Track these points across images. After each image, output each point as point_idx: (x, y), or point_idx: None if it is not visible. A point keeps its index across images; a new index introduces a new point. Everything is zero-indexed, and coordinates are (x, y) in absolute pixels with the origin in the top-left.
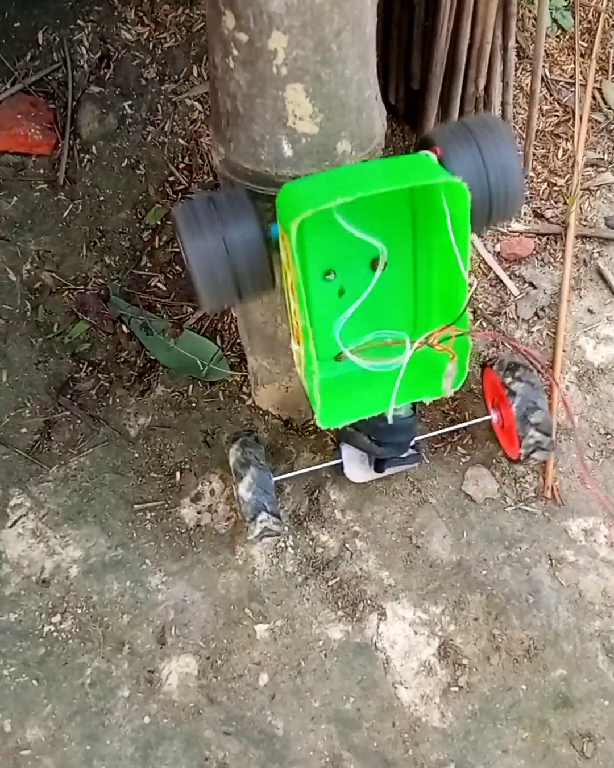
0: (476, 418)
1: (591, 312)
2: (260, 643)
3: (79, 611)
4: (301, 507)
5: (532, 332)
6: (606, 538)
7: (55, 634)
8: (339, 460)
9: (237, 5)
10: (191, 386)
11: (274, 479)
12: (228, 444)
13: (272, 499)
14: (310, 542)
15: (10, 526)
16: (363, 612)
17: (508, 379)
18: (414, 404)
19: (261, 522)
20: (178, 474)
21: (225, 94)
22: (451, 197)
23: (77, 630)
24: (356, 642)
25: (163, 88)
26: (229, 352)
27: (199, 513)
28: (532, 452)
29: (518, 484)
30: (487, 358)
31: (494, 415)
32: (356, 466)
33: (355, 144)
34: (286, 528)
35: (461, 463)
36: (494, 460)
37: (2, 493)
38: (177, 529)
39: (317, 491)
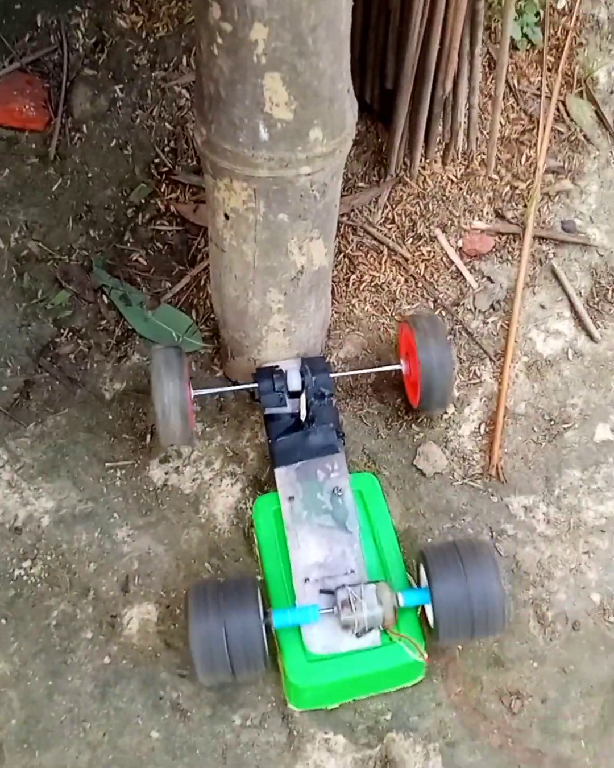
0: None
1: (542, 307)
2: None
3: (49, 558)
4: (262, 474)
5: (487, 323)
6: (543, 515)
7: (24, 578)
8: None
9: None
10: None
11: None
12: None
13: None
14: None
15: None
16: None
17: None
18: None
19: None
20: (148, 436)
21: (208, 79)
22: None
23: (46, 575)
24: None
25: (153, 74)
26: (203, 326)
27: (166, 473)
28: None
29: (466, 462)
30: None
31: (403, 366)
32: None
33: (327, 132)
34: (248, 491)
35: (414, 440)
36: (445, 438)
37: None
38: (145, 487)
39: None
